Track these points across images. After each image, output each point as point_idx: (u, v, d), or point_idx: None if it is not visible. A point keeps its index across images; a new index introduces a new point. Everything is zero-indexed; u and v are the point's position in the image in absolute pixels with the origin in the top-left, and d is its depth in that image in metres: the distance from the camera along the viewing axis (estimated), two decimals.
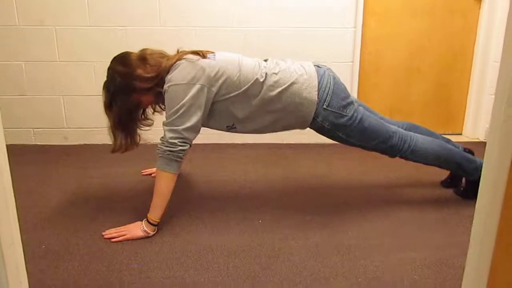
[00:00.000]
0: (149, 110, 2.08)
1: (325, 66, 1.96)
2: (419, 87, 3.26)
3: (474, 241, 0.78)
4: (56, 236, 1.80)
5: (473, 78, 3.22)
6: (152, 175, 2.46)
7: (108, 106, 1.87)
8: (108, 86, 1.87)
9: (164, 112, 1.93)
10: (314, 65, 1.92)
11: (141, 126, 2.01)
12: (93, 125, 3.04)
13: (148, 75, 1.82)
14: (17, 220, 0.84)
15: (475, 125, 3.27)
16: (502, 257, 0.72)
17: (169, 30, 2.90)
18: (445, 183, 2.29)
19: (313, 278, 1.51)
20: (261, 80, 1.82)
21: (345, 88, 1.93)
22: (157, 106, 2.08)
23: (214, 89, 1.80)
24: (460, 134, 3.37)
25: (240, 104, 1.84)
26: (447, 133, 3.34)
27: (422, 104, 3.30)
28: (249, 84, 1.81)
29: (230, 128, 1.93)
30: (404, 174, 2.49)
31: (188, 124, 1.76)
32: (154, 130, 2.93)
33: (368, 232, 1.85)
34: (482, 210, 0.75)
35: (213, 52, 1.91)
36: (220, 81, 1.80)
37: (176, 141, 1.75)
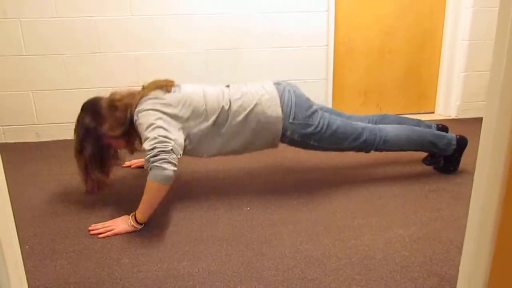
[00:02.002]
0: (122, 151, 2.08)
1: (285, 82, 2.04)
2: (391, 68, 3.31)
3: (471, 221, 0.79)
4: (39, 235, 1.75)
5: (443, 58, 3.30)
6: (132, 166, 2.42)
7: (79, 151, 1.88)
8: (77, 133, 1.89)
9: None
10: (274, 83, 2.00)
11: (114, 165, 2.03)
12: (65, 120, 2.94)
13: (118, 124, 1.85)
14: (13, 219, 0.81)
15: (446, 103, 3.35)
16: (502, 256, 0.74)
17: (140, 19, 2.83)
18: (426, 161, 2.35)
19: (307, 261, 1.53)
20: (227, 108, 1.89)
21: (308, 98, 2.01)
22: (130, 145, 2.03)
23: (182, 121, 1.83)
24: (433, 112, 3.45)
25: (211, 134, 1.89)
26: (420, 112, 3.42)
27: (394, 84, 3.36)
28: (217, 114, 1.87)
29: (207, 157, 1.98)
30: (384, 154, 2.53)
31: (163, 133, 1.73)
32: None
33: (355, 213, 1.87)
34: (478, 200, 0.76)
35: (173, 83, 1.94)
36: (187, 114, 1.84)
37: (154, 145, 1.69)
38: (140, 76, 2.90)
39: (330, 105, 3.20)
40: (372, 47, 3.23)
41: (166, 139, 1.71)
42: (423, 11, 3.20)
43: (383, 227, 1.74)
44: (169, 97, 1.85)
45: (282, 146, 2.73)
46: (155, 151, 1.67)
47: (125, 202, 1.98)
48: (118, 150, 2.06)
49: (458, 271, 0.86)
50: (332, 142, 2.01)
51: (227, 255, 1.58)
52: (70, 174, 2.37)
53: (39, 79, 2.86)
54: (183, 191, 2.13)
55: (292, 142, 2.00)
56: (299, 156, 2.57)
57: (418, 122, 2.31)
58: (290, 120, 1.92)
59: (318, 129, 1.96)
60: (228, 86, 1.99)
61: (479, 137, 0.78)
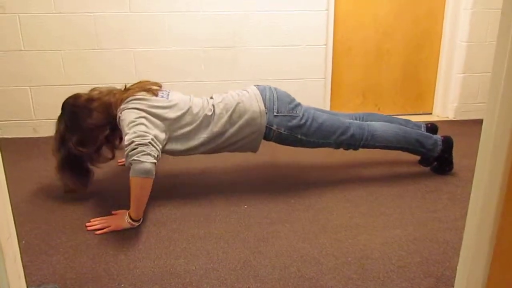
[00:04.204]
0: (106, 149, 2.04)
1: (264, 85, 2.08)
2: (389, 69, 3.31)
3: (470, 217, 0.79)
4: (36, 230, 1.74)
5: (442, 59, 3.30)
6: None
7: (57, 148, 1.89)
8: (57, 129, 1.91)
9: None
10: (254, 85, 2.05)
11: (96, 164, 2.01)
12: None
13: (96, 120, 1.86)
14: (12, 214, 0.81)
15: (444, 105, 3.36)
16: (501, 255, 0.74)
17: (139, 15, 2.82)
18: (423, 162, 2.34)
19: (304, 259, 1.53)
20: (210, 114, 1.92)
21: (288, 94, 2.04)
22: (111, 144, 2.03)
23: (167, 124, 1.85)
24: (430, 113, 3.45)
25: (194, 136, 1.91)
26: (417, 112, 3.42)
27: (392, 85, 3.36)
28: (200, 119, 1.90)
29: (185, 154, 1.97)
30: (382, 155, 2.53)
31: (143, 129, 1.74)
32: None
33: (352, 212, 1.87)
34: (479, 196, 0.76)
35: (160, 87, 1.99)
36: (172, 117, 1.86)
37: (132, 139, 1.70)
38: (138, 72, 2.89)
39: (328, 105, 3.20)
40: (371, 47, 3.23)
41: (145, 134, 1.72)
42: (421, 12, 3.20)
43: (380, 227, 1.75)
44: (155, 99, 1.88)
45: (280, 145, 2.73)
46: (133, 145, 1.68)
47: (122, 199, 1.97)
48: (100, 148, 2.01)
49: (454, 272, 0.87)
50: (320, 136, 2.01)
51: (224, 252, 1.58)
52: None
53: (37, 74, 2.85)
54: (180, 188, 2.13)
55: (280, 137, 1.99)
56: (297, 155, 2.57)
57: (406, 122, 2.33)
58: (274, 113, 1.94)
59: (303, 121, 1.97)
60: (211, 97, 2.02)
61: (477, 139, 0.78)
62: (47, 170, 2.37)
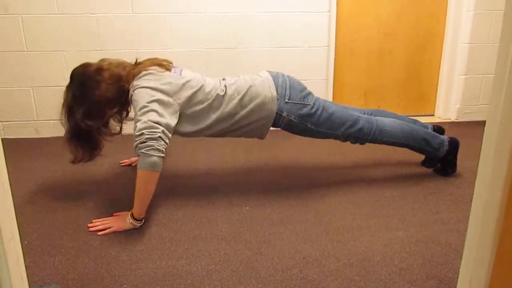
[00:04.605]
0: (113, 121, 2.03)
1: (277, 71, 2.06)
2: (392, 70, 3.31)
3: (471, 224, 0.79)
4: (38, 231, 1.74)
5: (444, 60, 3.30)
6: (133, 164, 2.42)
7: (66, 117, 1.87)
8: (66, 98, 1.87)
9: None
10: (267, 71, 2.04)
11: (104, 136, 1.98)
12: None
13: (104, 93, 1.83)
14: (14, 215, 0.81)
15: (446, 106, 3.35)
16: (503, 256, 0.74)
17: (142, 17, 2.82)
18: (425, 163, 2.34)
19: (306, 261, 1.53)
20: (222, 94, 1.90)
21: (300, 82, 2.02)
22: (119, 116, 2.02)
23: (180, 102, 1.83)
24: (432, 115, 3.45)
25: (205, 115, 1.89)
26: (419, 114, 3.42)
27: (395, 86, 3.36)
28: (212, 98, 1.88)
29: (194, 136, 1.96)
30: (384, 156, 2.54)
31: (155, 118, 1.72)
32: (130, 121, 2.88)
33: (354, 214, 1.87)
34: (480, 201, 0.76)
35: (175, 66, 1.96)
36: (184, 95, 1.84)
37: (142, 131, 1.69)
38: None
39: None
40: (373, 48, 3.23)
41: (156, 125, 1.70)
42: (424, 13, 3.20)
43: (382, 229, 1.74)
44: (168, 75, 1.85)
45: (282, 145, 2.73)
46: (143, 137, 1.67)
47: (124, 200, 1.98)
48: (110, 121, 2.00)
49: (457, 274, 0.86)
50: (329, 126, 2.00)
51: (225, 254, 1.58)
52: (69, 170, 2.37)
53: (40, 75, 2.86)
54: (183, 189, 2.13)
55: (290, 125, 1.98)
56: (299, 156, 2.57)
57: (414, 122, 2.32)
58: (286, 100, 1.93)
59: (314, 109, 1.96)
60: (224, 79, 1.99)
61: (479, 140, 0.78)
62: (49, 170, 2.37)
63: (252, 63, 3.01)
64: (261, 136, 2.04)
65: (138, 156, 1.70)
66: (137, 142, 1.68)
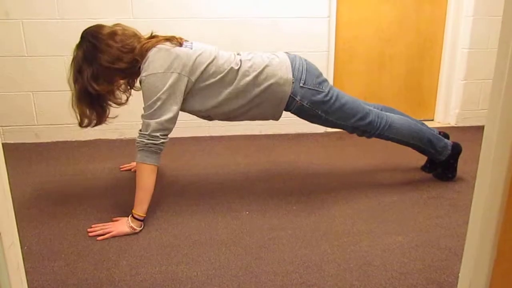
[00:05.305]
0: (120, 88, 1.99)
1: (295, 54, 2.02)
2: (391, 75, 3.32)
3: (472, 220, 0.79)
4: (38, 236, 1.74)
5: (443, 65, 3.30)
6: (132, 169, 2.41)
7: (74, 78, 1.81)
8: (74, 62, 1.80)
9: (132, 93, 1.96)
10: (285, 52, 2.00)
11: (110, 103, 1.94)
12: (65, 122, 2.94)
13: (115, 59, 1.77)
14: (15, 220, 0.81)
15: (446, 111, 3.36)
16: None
17: (142, 22, 2.83)
18: (426, 168, 2.35)
19: (306, 266, 1.52)
20: (236, 68, 1.85)
21: (317, 68, 1.99)
22: (127, 85, 2.01)
23: (193, 78, 1.79)
24: (432, 120, 3.46)
25: (217, 90, 1.84)
26: (419, 119, 3.40)
27: (394, 91, 3.36)
28: (225, 71, 1.83)
29: (204, 114, 1.92)
30: (384, 161, 2.54)
31: (169, 115, 1.73)
32: (131, 124, 2.89)
33: (353, 218, 1.87)
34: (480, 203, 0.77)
35: (187, 40, 1.90)
36: (198, 70, 1.79)
37: (158, 134, 1.72)
38: None
39: None
40: (372, 54, 3.24)
41: (169, 126, 1.75)
42: (423, 19, 3.21)
43: (382, 234, 1.74)
44: (179, 50, 1.79)
45: (281, 150, 2.74)
46: (158, 141, 1.72)
47: (124, 205, 1.98)
48: (115, 89, 1.95)
49: (457, 278, 0.86)
50: (339, 116, 1.97)
51: (225, 259, 1.58)
52: (69, 175, 2.37)
53: (40, 80, 2.86)
54: (182, 194, 2.13)
55: (301, 110, 1.94)
56: (299, 161, 2.57)
57: (422, 123, 2.30)
58: (301, 84, 1.88)
59: (328, 97, 1.92)
60: (239, 53, 1.95)
61: (478, 145, 0.79)
62: (49, 175, 2.37)
63: None
64: (275, 117, 1.99)
65: (141, 149, 1.72)
66: (150, 141, 1.71)
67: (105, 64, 1.76)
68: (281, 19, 2.95)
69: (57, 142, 2.97)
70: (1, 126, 2.93)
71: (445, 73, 3.30)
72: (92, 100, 1.85)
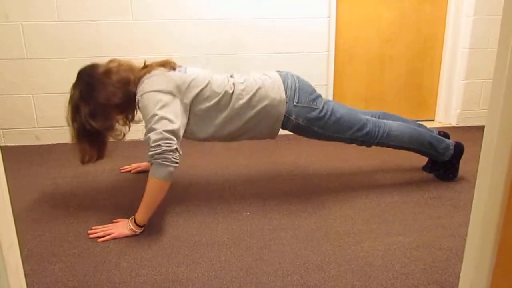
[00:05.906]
0: (119, 122, 2.01)
1: (286, 71, 2.04)
2: (392, 75, 3.31)
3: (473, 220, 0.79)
4: (38, 238, 1.74)
5: (444, 65, 3.30)
6: (132, 171, 2.41)
7: (72, 117, 1.85)
8: (71, 101, 1.85)
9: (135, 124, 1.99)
10: (276, 71, 2.01)
11: (110, 137, 1.97)
12: (65, 124, 2.92)
13: (111, 96, 1.81)
14: (13, 221, 0.81)
15: (446, 111, 3.35)
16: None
17: (142, 23, 2.83)
18: (427, 168, 2.34)
19: (306, 266, 1.52)
20: (230, 91, 1.88)
21: (310, 84, 2.01)
22: (126, 119, 2.03)
23: (187, 101, 1.82)
24: (433, 120, 3.45)
25: (213, 114, 1.87)
26: (420, 119, 3.41)
27: (395, 91, 3.36)
28: (220, 96, 1.86)
29: (203, 139, 1.95)
30: (384, 161, 2.53)
31: (168, 127, 1.71)
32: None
33: (354, 219, 1.87)
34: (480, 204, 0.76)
35: (180, 66, 1.94)
36: (191, 94, 1.83)
37: (159, 142, 1.68)
38: None
39: None
40: (373, 54, 3.24)
41: (171, 137, 1.70)
42: (423, 19, 3.21)
43: (383, 234, 1.74)
44: (173, 74, 1.83)
45: (282, 151, 2.73)
46: (160, 149, 1.67)
47: (124, 207, 1.98)
48: (114, 124, 1.96)
49: (458, 279, 0.86)
50: (335, 130, 1.99)
51: (226, 260, 1.57)
52: (70, 177, 2.37)
53: (40, 82, 2.86)
54: (183, 195, 2.13)
55: (297, 128, 1.96)
56: (299, 162, 2.57)
57: (420, 125, 2.31)
58: (295, 103, 1.90)
59: (323, 113, 1.94)
60: (232, 76, 1.98)
61: (479, 145, 0.78)
62: (49, 177, 2.37)
63: (252, 69, 3.01)
64: (272, 136, 2.01)
65: (151, 164, 1.70)
66: (153, 152, 1.67)
67: (101, 101, 1.80)
68: (281, 19, 2.95)
69: (58, 144, 2.97)
70: (2, 129, 2.93)
71: (446, 73, 3.29)
72: (92, 136, 1.88)
